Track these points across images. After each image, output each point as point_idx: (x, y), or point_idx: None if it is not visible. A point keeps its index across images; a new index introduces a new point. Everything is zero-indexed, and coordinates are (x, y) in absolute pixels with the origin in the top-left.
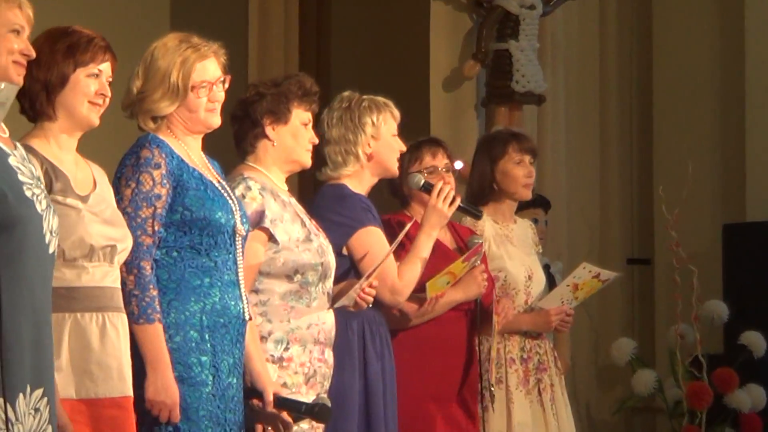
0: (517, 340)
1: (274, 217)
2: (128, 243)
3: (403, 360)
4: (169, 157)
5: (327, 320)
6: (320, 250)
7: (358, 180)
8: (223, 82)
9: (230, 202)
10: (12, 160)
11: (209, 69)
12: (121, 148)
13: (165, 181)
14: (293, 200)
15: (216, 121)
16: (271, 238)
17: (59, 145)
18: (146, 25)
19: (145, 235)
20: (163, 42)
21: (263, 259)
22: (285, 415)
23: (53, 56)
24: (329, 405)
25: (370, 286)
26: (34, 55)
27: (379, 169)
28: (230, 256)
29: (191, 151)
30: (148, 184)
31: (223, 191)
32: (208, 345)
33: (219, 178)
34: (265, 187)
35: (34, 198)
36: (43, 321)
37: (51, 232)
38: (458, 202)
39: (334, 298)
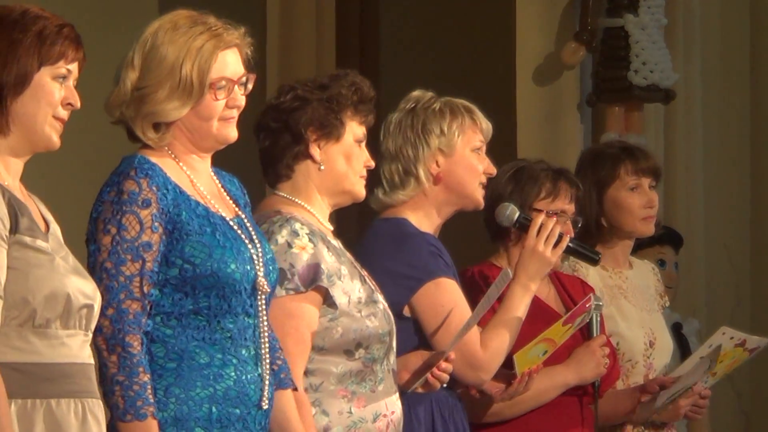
0: None
1: (331, 272)
2: (99, 302)
3: None
4: (163, 189)
5: (396, 409)
6: (387, 314)
7: (425, 212)
8: (245, 82)
9: (249, 245)
10: None
11: (230, 63)
12: (97, 173)
13: (157, 225)
14: (340, 245)
15: (233, 134)
16: (327, 301)
17: (6, 168)
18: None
19: (131, 299)
20: (169, 20)
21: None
22: None
23: (12, 48)
24: None
25: (448, 359)
26: None
27: (453, 197)
28: (251, 321)
29: (197, 177)
30: (134, 229)
31: (239, 229)
32: None
33: (237, 209)
34: (314, 231)
35: None
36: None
37: None
38: (566, 242)
39: (400, 378)
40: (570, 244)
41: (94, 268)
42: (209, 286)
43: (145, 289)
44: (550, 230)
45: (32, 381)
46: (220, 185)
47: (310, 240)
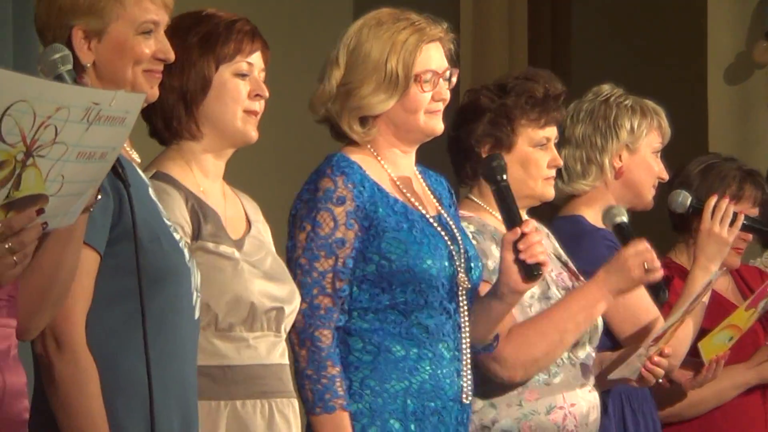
0: None
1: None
2: (296, 303)
3: None
4: (359, 187)
5: (580, 401)
6: None
7: (600, 207)
8: (449, 77)
9: (450, 243)
10: (152, 194)
11: (434, 56)
12: (300, 170)
13: (351, 221)
14: (547, 241)
15: (439, 126)
16: None
17: (204, 171)
18: (325, 6)
19: (323, 295)
20: (372, 18)
21: None
22: None
23: (187, 53)
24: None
25: (662, 354)
26: (173, 57)
27: (628, 194)
28: (449, 317)
29: (397, 173)
30: (328, 226)
31: (440, 227)
32: None
33: (440, 207)
34: (482, 231)
35: (181, 244)
36: (192, 407)
37: (196, 291)
38: (741, 220)
39: (608, 369)
40: (745, 222)
41: (290, 264)
42: (405, 282)
43: (338, 285)
44: (723, 211)
45: (217, 383)
46: (424, 183)
47: (474, 238)
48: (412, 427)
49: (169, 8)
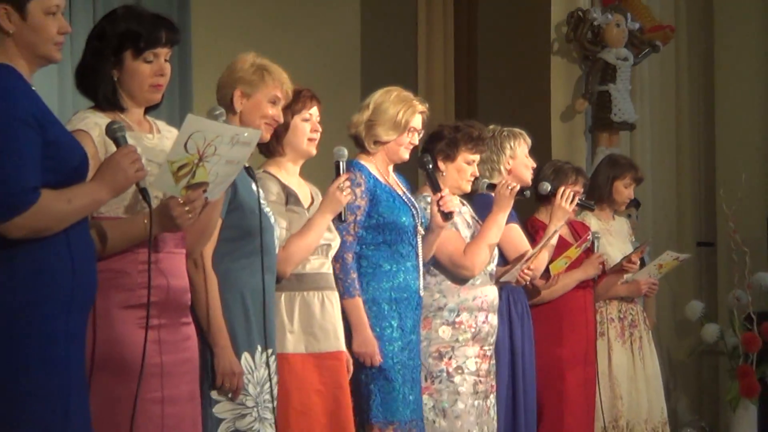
0: (615, 304)
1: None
2: (338, 242)
3: (540, 325)
4: (368, 177)
5: (489, 293)
6: None
7: None
8: (420, 135)
9: (412, 209)
10: (253, 186)
11: (418, 120)
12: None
13: (364, 195)
14: (465, 208)
15: (406, 157)
16: None
17: (287, 171)
18: (338, 81)
19: (348, 235)
20: (389, 92)
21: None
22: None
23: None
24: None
25: (529, 269)
26: (281, 121)
27: (516, 181)
28: (412, 248)
29: (385, 173)
30: (351, 197)
31: (407, 201)
32: (395, 312)
33: (405, 191)
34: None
35: (269, 214)
36: (271, 299)
37: (278, 239)
38: (577, 200)
39: (499, 275)
40: (578, 201)
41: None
42: (392, 228)
43: (356, 229)
44: (567, 195)
45: (294, 283)
46: (397, 179)
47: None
48: (395, 307)
49: (288, 96)
